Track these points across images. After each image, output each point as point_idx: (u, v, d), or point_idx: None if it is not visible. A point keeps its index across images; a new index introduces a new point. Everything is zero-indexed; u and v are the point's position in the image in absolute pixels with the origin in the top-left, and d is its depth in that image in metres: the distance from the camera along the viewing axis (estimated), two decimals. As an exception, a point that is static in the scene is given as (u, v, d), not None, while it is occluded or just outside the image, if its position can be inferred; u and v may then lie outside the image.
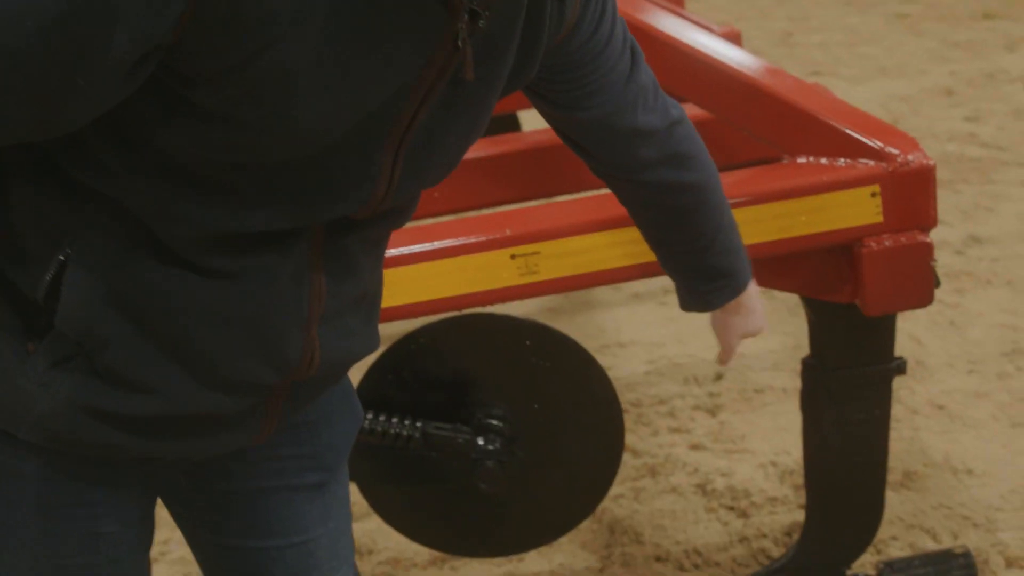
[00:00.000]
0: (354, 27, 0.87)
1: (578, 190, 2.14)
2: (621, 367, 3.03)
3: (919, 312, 3.01)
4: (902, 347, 2.84)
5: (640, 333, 3.21)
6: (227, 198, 0.93)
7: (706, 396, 2.77)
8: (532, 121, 3.83)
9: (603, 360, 3.05)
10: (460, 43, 0.92)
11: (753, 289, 1.47)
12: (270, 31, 0.83)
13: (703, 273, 1.40)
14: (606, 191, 1.83)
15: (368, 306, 1.14)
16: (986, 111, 4.62)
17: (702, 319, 3.22)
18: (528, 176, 2.18)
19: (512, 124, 3.53)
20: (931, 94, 4.97)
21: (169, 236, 0.95)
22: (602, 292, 3.43)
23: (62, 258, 0.95)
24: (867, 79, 5.36)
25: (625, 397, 2.84)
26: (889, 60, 5.61)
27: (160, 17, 0.79)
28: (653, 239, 1.41)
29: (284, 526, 1.17)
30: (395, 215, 1.08)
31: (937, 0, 6.75)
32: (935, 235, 3.52)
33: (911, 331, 2.91)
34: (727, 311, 1.48)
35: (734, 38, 2.58)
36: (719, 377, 2.86)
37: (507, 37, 1.00)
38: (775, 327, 3.04)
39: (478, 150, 2.12)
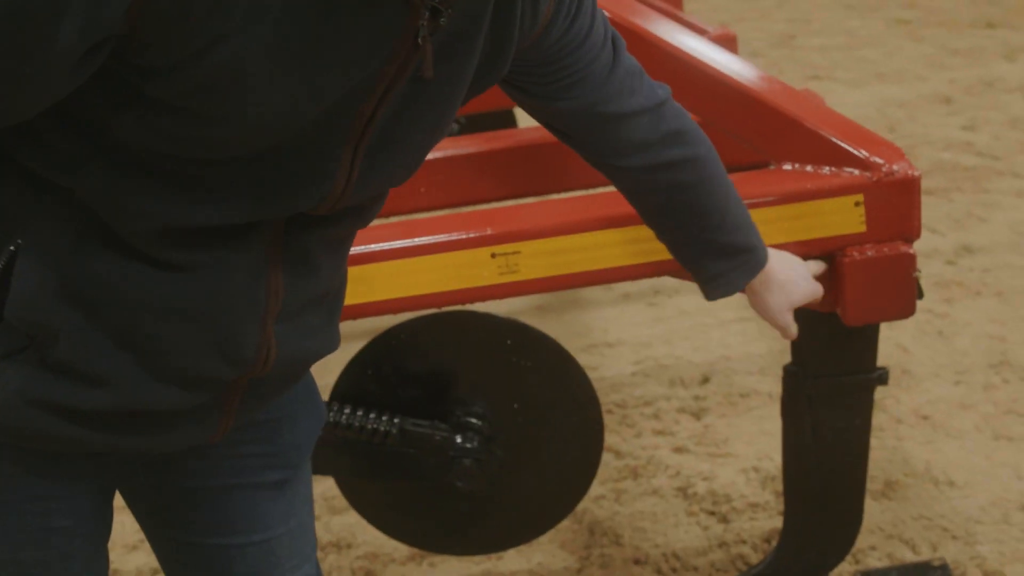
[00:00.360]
0: (310, 23, 0.86)
1: (574, 188, 2.12)
2: (608, 367, 3.03)
3: (907, 321, 3.00)
4: (889, 355, 2.85)
5: (628, 333, 3.21)
6: (182, 191, 0.92)
7: (691, 399, 2.77)
8: (528, 118, 3.81)
9: (590, 360, 3.06)
10: (420, 41, 0.91)
11: (780, 262, 1.43)
12: (223, 24, 0.82)
13: (720, 253, 1.36)
14: (592, 191, 1.82)
15: (330, 305, 1.13)
16: (983, 120, 4.62)
17: (691, 321, 3.23)
18: (523, 173, 2.16)
19: (508, 120, 3.52)
20: (929, 101, 4.97)
21: (122, 228, 0.94)
22: (591, 291, 3.42)
23: (12, 248, 0.93)
24: (865, 84, 5.35)
25: (610, 398, 2.83)
26: (888, 65, 5.60)
27: (108, 7, 0.79)
28: (664, 228, 1.37)
29: (246, 524, 1.17)
30: (357, 214, 1.06)
31: (938, 6, 6.74)
32: (926, 243, 3.55)
33: (898, 340, 2.91)
34: (760, 291, 1.43)
35: (729, 41, 2.57)
36: (705, 380, 2.86)
37: (472, 35, 0.99)
38: (763, 331, 3.03)
39: (473, 146, 2.10)
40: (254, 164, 0.93)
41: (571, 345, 3.16)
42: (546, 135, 2.05)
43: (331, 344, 1.15)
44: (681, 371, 2.91)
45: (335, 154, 0.95)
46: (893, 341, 2.89)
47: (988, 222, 3.65)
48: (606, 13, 1.71)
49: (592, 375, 2.96)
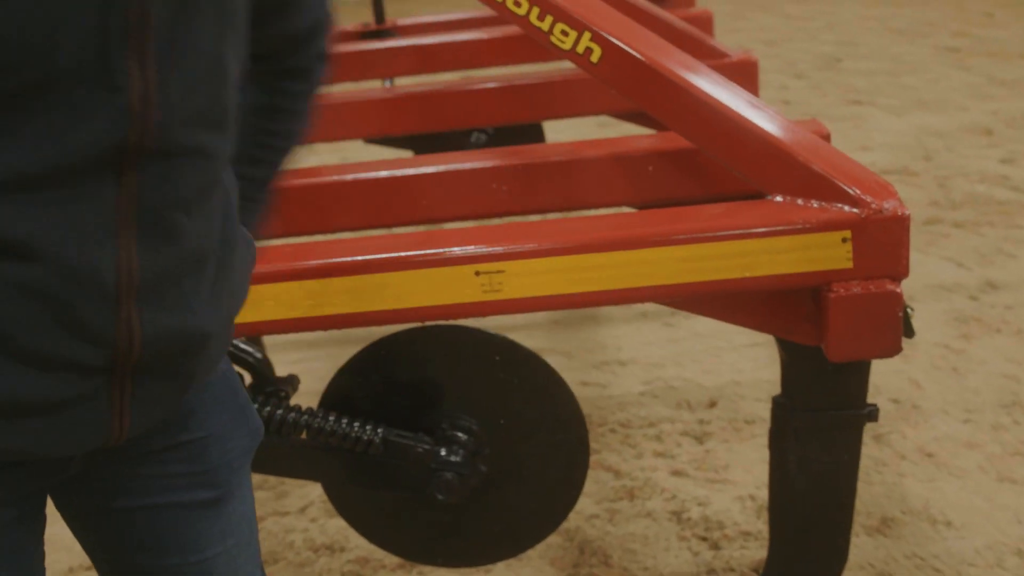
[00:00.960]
0: None
1: (588, 207, 2.12)
2: (617, 385, 3.03)
3: (920, 354, 2.98)
4: (899, 389, 2.82)
5: (640, 352, 3.20)
6: None
7: (696, 422, 2.76)
8: (557, 131, 3.87)
9: (600, 377, 3.07)
10: None
11: None
12: None
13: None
14: (586, 215, 1.82)
15: (217, 273, 1.06)
16: (1022, 154, 4.55)
17: (704, 344, 3.22)
18: (535, 189, 2.16)
19: (536, 134, 3.55)
20: (969, 132, 4.91)
21: None
22: (608, 308, 3.42)
23: None
24: (906, 111, 5.30)
25: (615, 416, 2.83)
26: (931, 93, 5.54)
27: None
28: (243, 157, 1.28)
29: (179, 545, 1.15)
30: (190, 156, 0.99)
31: (989, 36, 6.66)
32: (950, 277, 3.50)
33: (910, 374, 2.87)
34: None
35: (749, 66, 2.56)
36: (712, 404, 2.85)
37: None
38: (776, 358, 3.01)
39: (497, 159, 2.09)
40: (33, 96, 0.88)
41: (583, 361, 3.18)
42: (565, 154, 2.07)
43: (217, 319, 1.07)
44: (689, 394, 2.90)
45: (119, 67, 0.90)
46: (905, 375, 2.86)
47: (1017, 259, 3.60)
48: (609, 36, 1.72)
49: (600, 393, 2.99)
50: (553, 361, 1.83)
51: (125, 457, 1.12)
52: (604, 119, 4.20)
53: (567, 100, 2.69)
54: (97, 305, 0.95)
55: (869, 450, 2.53)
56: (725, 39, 6.85)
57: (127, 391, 1.01)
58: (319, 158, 5.42)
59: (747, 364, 3.04)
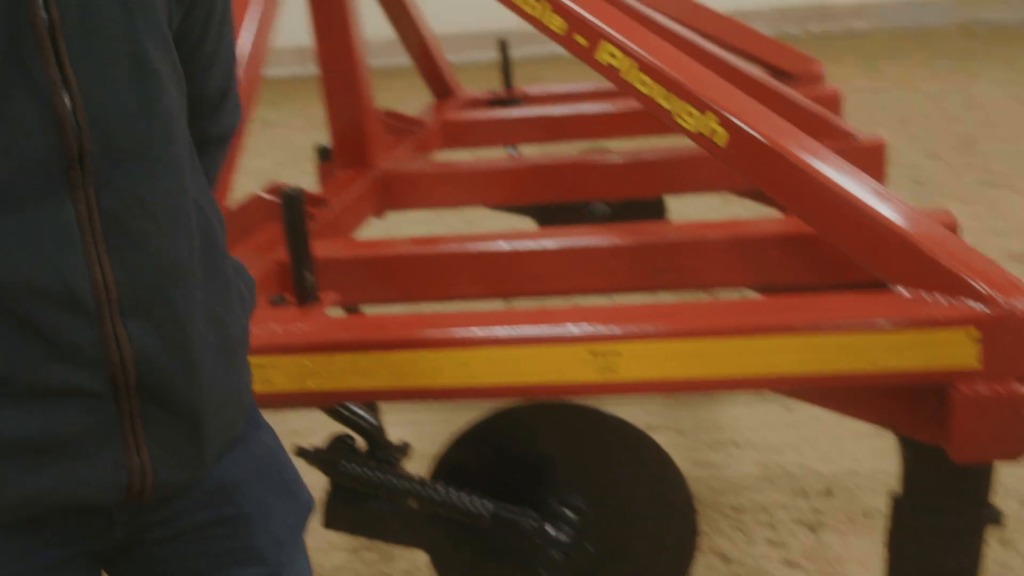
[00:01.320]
0: None
1: (717, 287, 2.10)
2: (731, 467, 2.97)
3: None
4: (1029, 489, 2.69)
5: (757, 434, 3.14)
6: None
7: (811, 511, 2.68)
8: (681, 204, 3.86)
9: (715, 457, 3.01)
10: None
11: None
12: None
13: None
14: (703, 299, 1.81)
15: (202, 296, 1.04)
16: None
17: (824, 429, 3.13)
18: (668, 268, 2.15)
19: (658, 210, 3.55)
20: (1112, 220, 4.71)
21: None
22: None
23: None
24: (1045, 196, 5.12)
25: (728, 500, 2.77)
26: (1073, 180, 5.35)
27: None
28: None
29: None
30: (138, 162, 0.98)
31: None
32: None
33: (1042, 473, 2.74)
34: None
35: (876, 149, 2.52)
36: (828, 493, 2.76)
37: None
38: (895, 449, 2.91)
39: (616, 237, 2.10)
40: None
41: (698, 440, 3.13)
42: (685, 234, 2.06)
43: (212, 349, 1.05)
44: (805, 480, 2.83)
45: (38, 72, 0.91)
46: (1036, 475, 2.74)
47: None
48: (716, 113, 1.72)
49: (714, 474, 2.93)
50: (667, 438, 1.81)
51: (170, 531, 1.12)
52: (728, 194, 4.18)
53: (691, 177, 2.69)
54: (80, 323, 0.95)
55: (995, 554, 2.42)
56: (858, 116, 6.73)
57: (137, 423, 1.01)
58: (444, 221, 5.51)
59: (867, 453, 2.94)
